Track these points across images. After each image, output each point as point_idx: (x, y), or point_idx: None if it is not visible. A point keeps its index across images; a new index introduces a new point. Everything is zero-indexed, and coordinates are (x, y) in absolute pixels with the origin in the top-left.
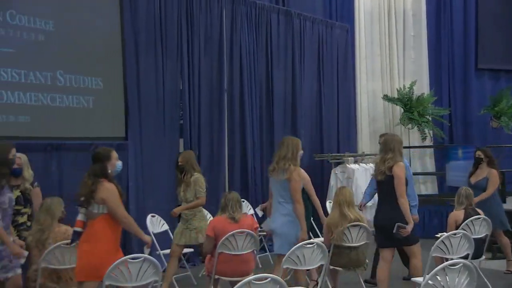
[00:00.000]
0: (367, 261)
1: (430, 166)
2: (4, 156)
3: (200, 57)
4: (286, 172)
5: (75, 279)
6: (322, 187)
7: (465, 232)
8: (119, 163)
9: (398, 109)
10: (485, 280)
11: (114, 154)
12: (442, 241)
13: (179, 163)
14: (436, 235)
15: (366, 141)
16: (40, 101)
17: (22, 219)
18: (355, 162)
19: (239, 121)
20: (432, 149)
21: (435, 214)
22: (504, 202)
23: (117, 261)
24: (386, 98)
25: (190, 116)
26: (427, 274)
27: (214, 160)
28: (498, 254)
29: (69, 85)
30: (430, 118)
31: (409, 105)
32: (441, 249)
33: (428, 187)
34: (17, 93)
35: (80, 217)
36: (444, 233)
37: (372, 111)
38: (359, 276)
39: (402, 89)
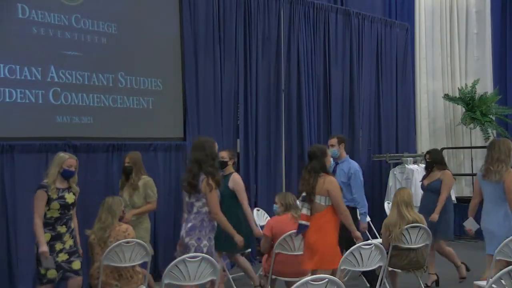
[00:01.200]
0: (427, 263)
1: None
2: (214, 151)
3: (257, 58)
4: (500, 174)
5: (305, 266)
6: (380, 188)
7: None
8: (331, 160)
9: (460, 109)
10: None
11: (329, 152)
12: (507, 244)
13: (126, 164)
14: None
15: (426, 142)
16: (102, 103)
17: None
18: (414, 162)
19: (297, 122)
20: None
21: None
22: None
23: (176, 260)
24: (447, 97)
25: (247, 117)
26: (491, 278)
27: (271, 161)
28: None
29: (130, 86)
30: (493, 118)
31: (471, 105)
32: (506, 253)
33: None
34: (81, 95)
35: (304, 211)
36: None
37: (432, 111)
38: (419, 278)
39: (464, 88)
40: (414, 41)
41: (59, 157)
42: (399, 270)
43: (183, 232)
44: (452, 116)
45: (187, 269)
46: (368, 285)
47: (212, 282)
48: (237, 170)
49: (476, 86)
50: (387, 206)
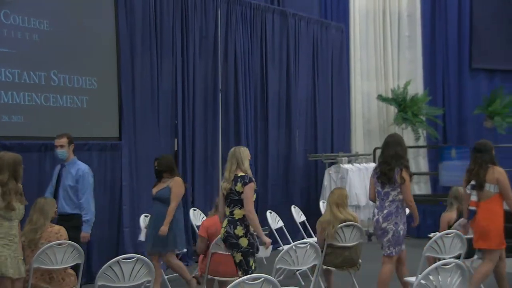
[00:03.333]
0: (360, 261)
1: (424, 166)
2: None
3: (195, 57)
4: None
5: (479, 246)
6: (316, 187)
7: (457, 232)
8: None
9: (392, 109)
10: None
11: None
12: (435, 241)
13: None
14: (429, 235)
15: (360, 141)
16: (34, 101)
17: None
18: (349, 162)
19: (234, 121)
20: (425, 149)
21: (428, 214)
22: None
23: (110, 261)
24: (380, 98)
25: (184, 116)
26: (420, 274)
27: (208, 160)
28: None
29: (63, 85)
30: (424, 118)
31: (403, 105)
32: (434, 249)
33: (422, 187)
34: (11, 93)
35: (472, 198)
36: (437, 233)
37: (367, 111)
38: (352, 276)
39: (397, 89)
40: (349, 43)
41: None
42: (333, 268)
43: (379, 218)
44: (386, 116)
45: (122, 270)
46: (303, 283)
47: (148, 283)
48: None
49: (408, 87)
50: (322, 205)
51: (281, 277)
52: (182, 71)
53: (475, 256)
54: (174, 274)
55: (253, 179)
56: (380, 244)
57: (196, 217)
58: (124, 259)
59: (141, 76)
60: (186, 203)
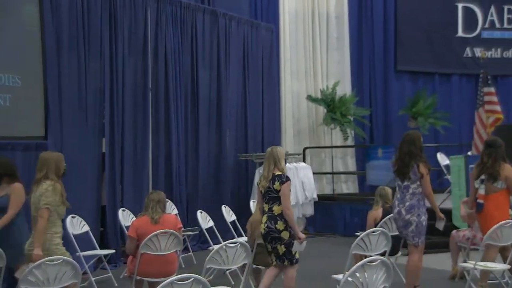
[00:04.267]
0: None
1: (351, 165)
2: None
3: (124, 56)
4: None
5: None
6: (246, 187)
7: (383, 229)
8: None
9: (322, 110)
10: (401, 275)
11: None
12: (361, 239)
13: None
14: (356, 233)
15: (290, 141)
16: None
17: None
18: None
19: (164, 121)
20: (353, 149)
21: (356, 213)
22: None
23: (34, 265)
24: (309, 98)
25: (113, 116)
26: (347, 271)
27: (138, 160)
28: None
29: None
30: (352, 118)
31: (332, 106)
32: (361, 247)
33: (350, 186)
34: None
35: (480, 192)
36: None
37: (297, 111)
38: (282, 275)
39: (325, 89)
40: (279, 43)
41: None
42: (263, 267)
43: (401, 210)
44: (315, 116)
45: (46, 273)
46: (233, 283)
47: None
48: (102, 170)
49: (336, 88)
50: (252, 204)
51: (211, 277)
52: (110, 69)
53: (399, 253)
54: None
55: (289, 177)
56: (402, 234)
57: (125, 217)
58: (48, 261)
59: (68, 74)
60: (116, 204)
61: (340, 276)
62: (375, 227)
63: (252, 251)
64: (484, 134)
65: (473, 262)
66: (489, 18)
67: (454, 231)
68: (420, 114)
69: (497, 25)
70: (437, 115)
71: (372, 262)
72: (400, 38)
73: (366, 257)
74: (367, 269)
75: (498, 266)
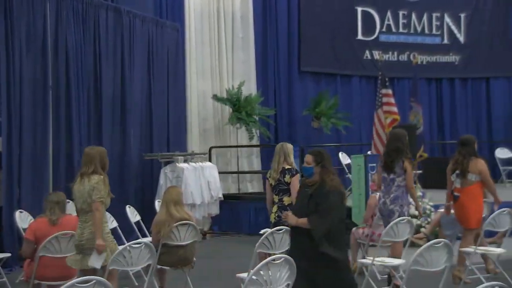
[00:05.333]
0: (194, 259)
1: (257, 164)
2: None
3: (21, 54)
4: None
5: (469, 226)
6: (151, 187)
7: (287, 228)
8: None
9: (227, 109)
10: None
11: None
12: (266, 237)
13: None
14: (260, 232)
15: (196, 140)
16: None
17: None
18: (185, 161)
19: (65, 119)
20: (258, 148)
21: (260, 212)
22: None
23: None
24: (215, 98)
25: (10, 114)
26: (251, 270)
27: (37, 160)
28: None
29: None
30: (257, 118)
31: (237, 105)
32: (265, 245)
33: (255, 185)
34: None
35: (457, 185)
36: (268, 229)
37: (203, 111)
38: (186, 274)
39: (231, 89)
40: (185, 42)
41: None
42: (167, 267)
43: (386, 201)
44: (221, 116)
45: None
46: (137, 284)
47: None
48: None
49: (242, 87)
50: (157, 204)
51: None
52: (6, 66)
53: None
54: None
55: (298, 170)
56: (386, 224)
57: (23, 219)
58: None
59: None
60: (12, 204)
61: (244, 275)
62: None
63: (156, 251)
64: (383, 134)
65: (371, 258)
66: (386, 22)
67: (354, 228)
68: (323, 114)
69: (393, 29)
70: (339, 116)
71: (276, 260)
72: (304, 39)
73: (270, 255)
74: (271, 267)
75: (394, 261)
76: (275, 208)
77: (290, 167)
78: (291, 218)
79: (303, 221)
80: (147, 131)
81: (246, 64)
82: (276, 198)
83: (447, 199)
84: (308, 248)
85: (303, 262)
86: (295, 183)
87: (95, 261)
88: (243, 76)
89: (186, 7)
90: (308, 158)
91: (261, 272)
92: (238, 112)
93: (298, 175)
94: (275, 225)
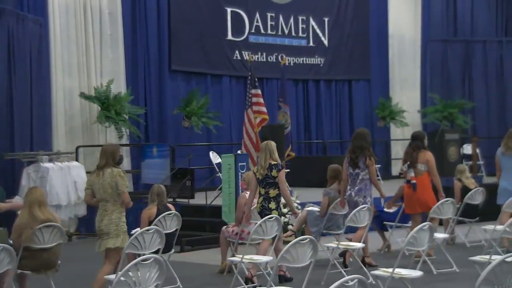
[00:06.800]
0: (59, 262)
1: (127, 164)
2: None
3: None
4: None
5: (418, 210)
6: (13, 188)
7: (157, 227)
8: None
9: (96, 107)
10: (173, 272)
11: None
12: (135, 237)
13: None
14: (131, 232)
15: (62, 139)
16: None
17: None
18: (50, 160)
19: None
20: (128, 148)
21: (131, 211)
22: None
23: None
24: (83, 95)
25: None
26: (120, 271)
27: None
28: (186, 247)
29: None
30: (127, 117)
31: (106, 104)
32: (135, 246)
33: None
34: None
35: (411, 174)
36: (138, 229)
37: (69, 109)
38: (50, 279)
39: (100, 87)
40: (49, 38)
41: None
42: (29, 272)
43: (352, 193)
44: (89, 114)
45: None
46: None
47: None
48: None
49: (111, 86)
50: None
51: None
52: None
53: (172, 251)
54: None
55: (283, 166)
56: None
57: None
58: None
59: None
60: None
61: (112, 277)
62: (149, 225)
63: (17, 255)
64: (253, 134)
65: (241, 256)
66: (255, 23)
67: (224, 227)
68: (194, 114)
69: (262, 31)
70: (210, 115)
71: (145, 261)
72: (174, 38)
73: (139, 255)
74: (140, 268)
75: (263, 258)
76: (260, 199)
77: (276, 162)
78: None
79: None
80: (7, 129)
81: (115, 62)
82: (262, 191)
83: (403, 187)
84: None
85: None
86: (282, 177)
87: None
88: (112, 74)
89: (50, 0)
90: None
91: (130, 273)
92: (107, 110)
93: (284, 170)
94: (260, 214)
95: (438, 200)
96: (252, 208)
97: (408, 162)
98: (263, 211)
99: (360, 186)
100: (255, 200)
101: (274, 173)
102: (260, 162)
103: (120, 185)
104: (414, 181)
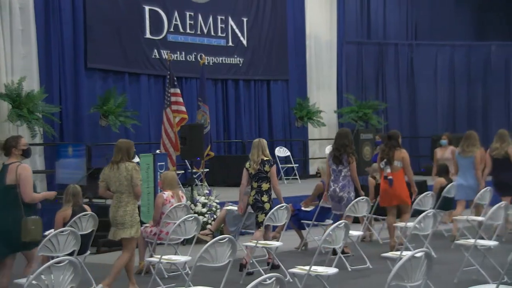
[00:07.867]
0: None
1: (40, 164)
2: (352, 139)
3: None
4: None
5: (394, 203)
6: None
7: (72, 229)
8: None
9: (6, 105)
10: (89, 274)
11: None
12: (49, 239)
13: None
14: (44, 234)
15: None
16: None
17: None
18: None
19: None
20: (42, 147)
21: (45, 212)
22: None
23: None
24: None
25: None
26: (31, 275)
27: None
28: (103, 248)
29: None
30: (40, 116)
31: (18, 102)
32: (48, 248)
33: (37, 185)
34: None
35: (388, 170)
36: (52, 230)
37: None
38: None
39: (10, 85)
40: None
41: None
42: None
43: (336, 188)
44: None
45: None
46: None
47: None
48: None
49: (22, 83)
50: None
51: None
52: None
53: (88, 252)
54: None
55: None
56: (335, 208)
57: None
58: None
59: None
60: None
61: (23, 280)
62: (64, 226)
63: None
64: (172, 133)
65: (159, 256)
66: (173, 22)
67: (142, 227)
68: (111, 113)
69: (181, 30)
70: (127, 114)
71: (59, 263)
72: (91, 35)
73: (53, 258)
74: (54, 270)
75: (181, 258)
76: (253, 192)
77: (268, 158)
78: None
79: None
80: None
81: (27, 58)
82: (255, 185)
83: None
84: None
85: None
86: (274, 171)
87: None
88: (24, 71)
89: None
90: None
91: (43, 276)
92: (18, 108)
93: (275, 165)
94: (252, 206)
95: (411, 194)
96: (170, 208)
97: (385, 160)
98: (256, 204)
99: (344, 182)
100: (183, 199)
101: (267, 168)
102: (253, 157)
103: (134, 178)
104: (390, 177)
